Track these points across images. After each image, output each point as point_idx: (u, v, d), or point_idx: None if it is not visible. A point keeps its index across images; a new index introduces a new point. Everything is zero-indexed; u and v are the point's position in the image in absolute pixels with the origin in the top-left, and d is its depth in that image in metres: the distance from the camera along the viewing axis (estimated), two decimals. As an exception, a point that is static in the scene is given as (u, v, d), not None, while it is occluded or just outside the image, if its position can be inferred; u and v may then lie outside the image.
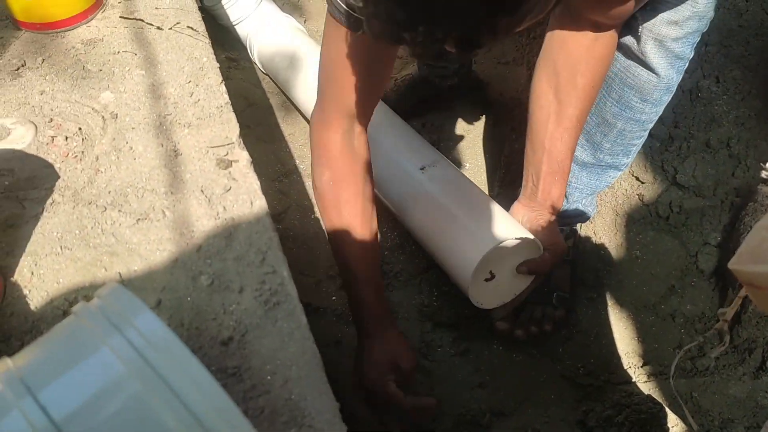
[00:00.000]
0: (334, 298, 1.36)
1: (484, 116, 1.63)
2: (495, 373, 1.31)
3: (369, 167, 1.06)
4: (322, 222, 1.05)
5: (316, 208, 1.48)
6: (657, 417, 1.14)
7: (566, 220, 1.33)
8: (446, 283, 1.41)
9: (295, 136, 1.57)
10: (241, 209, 0.73)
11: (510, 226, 1.17)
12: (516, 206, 1.22)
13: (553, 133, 1.06)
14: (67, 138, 0.77)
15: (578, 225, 1.41)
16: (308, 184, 1.52)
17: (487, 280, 1.23)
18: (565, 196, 1.21)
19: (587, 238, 1.42)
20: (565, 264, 1.37)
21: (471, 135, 1.60)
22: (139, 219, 0.72)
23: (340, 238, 1.03)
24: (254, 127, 1.60)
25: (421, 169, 1.27)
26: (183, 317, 0.65)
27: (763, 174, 1.21)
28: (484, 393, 1.29)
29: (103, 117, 0.79)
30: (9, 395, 0.40)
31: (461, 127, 1.62)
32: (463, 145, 1.59)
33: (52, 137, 0.76)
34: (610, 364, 1.29)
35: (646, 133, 1.13)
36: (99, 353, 0.42)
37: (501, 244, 1.11)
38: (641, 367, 1.28)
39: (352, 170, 1.02)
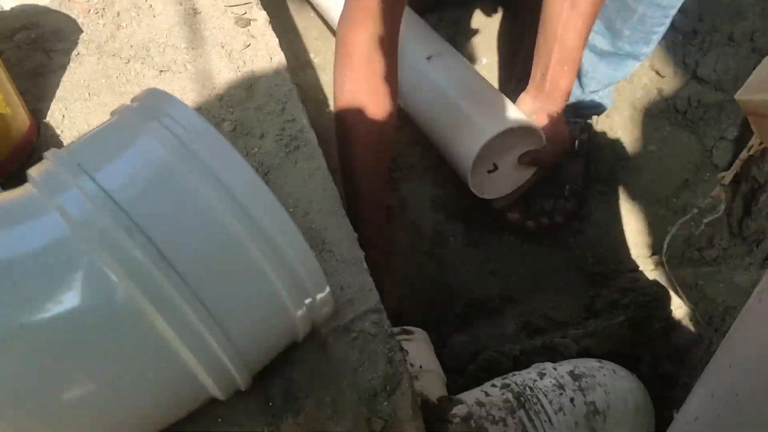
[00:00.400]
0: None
1: (502, 11, 1.64)
2: (506, 261, 1.37)
3: (394, 78, 1.04)
4: (335, 128, 1.05)
5: (329, 103, 1.52)
6: (661, 299, 1.20)
7: (582, 111, 1.36)
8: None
9: (309, 30, 1.60)
10: (261, 64, 0.78)
11: (512, 116, 1.20)
12: (523, 97, 1.25)
13: (567, 21, 1.07)
14: (88, -5, 0.82)
15: (594, 119, 1.45)
16: (322, 78, 1.56)
17: (490, 171, 1.28)
18: (581, 85, 1.24)
19: (603, 133, 1.46)
20: (579, 157, 1.41)
21: (488, 29, 1.62)
22: (162, 71, 0.77)
23: (351, 154, 1.03)
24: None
25: (428, 58, 1.29)
26: (207, 158, 0.71)
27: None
28: (494, 280, 1.35)
29: (122, -24, 0.84)
30: (66, 176, 0.46)
31: (478, 21, 1.63)
32: (480, 40, 1.61)
33: (75, -6, 0.81)
34: (620, 254, 1.35)
35: (668, 21, 1.14)
36: (141, 140, 0.48)
37: (500, 133, 1.15)
38: (650, 257, 1.34)
39: (375, 81, 1.00)
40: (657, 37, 1.18)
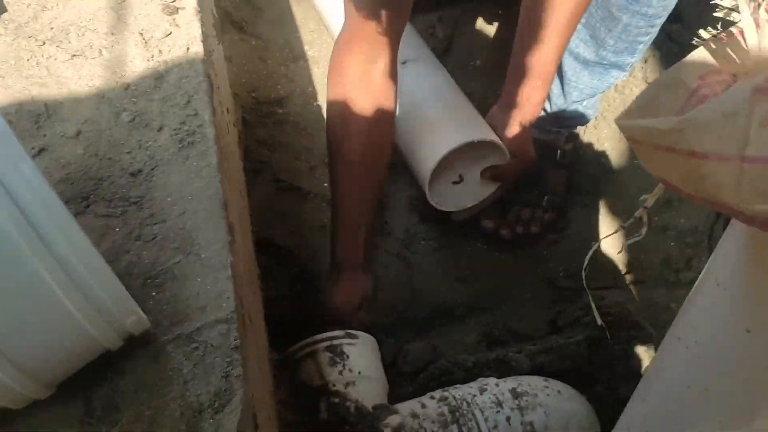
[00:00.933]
0: (325, 184, 1.36)
1: (501, 14, 1.56)
2: (475, 269, 1.30)
3: (391, 105, 1.01)
4: (327, 147, 1.03)
5: (319, 95, 1.47)
6: (624, 321, 1.12)
7: (565, 121, 1.28)
8: (438, 177, 1.39)
9: (306, 21, 1.55)
10: (177, 53, 0.73)
11: (477, 129, 1.13)
12: (494, 109, 1.19)
13: (541, 37, 1.01)
14: (19, -25, 0.78)
15: (581, 130, 1.36)
16: (314, 71, 1.51)
17: (455, 182, 1.22)
18: (564, 94, 1.17)
19: (589, 144, 1.37)
20: (561, 168, 1.33)
21: (486, 32, 1.54)
22: (74, 55, 0.72)
23: (340, 178, 1.03)
24: (266, 9, 1.58)
25: (403, 63, 1.23)
26: (99, 148, 0.66)
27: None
28: (462, 287, 1.28)
29: (58, -42, 0.80)
30: None
31: (477, 23, 1.56)
32: (476, 42, 1.54)
33: (6, -27, 0.77)
34: (593, 270, 1.26)
35: (654, 31, 1.06)
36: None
37: (461, 145, 1.09)
38: (624, 275, 1.25)
39: (369, 103, 0.98)
40: (642, 47, 1.09)
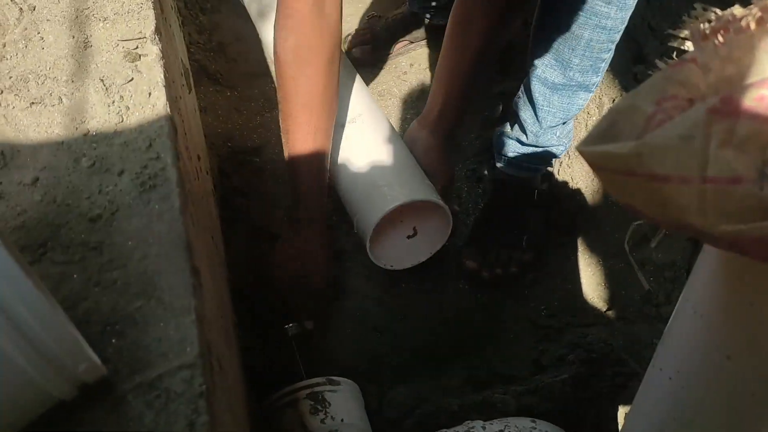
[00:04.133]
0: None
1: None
2: (457, 311, 1.28)
3: (338, 35, 1.02)
4: (278, 92, 1.02)
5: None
6: (608, 357, 1.09)
7: (539, 154, 1.27)
8: (415, 221, 1.38)
9: (280, 73, 1.54)
10: (138, 99, 0.71)
11: (415, 190, 1.14)
12: (413, 125, 1.24)
13: (461, 55, 1.10)
14: (-21, 27, 0.77)
15: (555, 169, 1.36)
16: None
17: (409, 237, 1.23)
18: (538, 120, 1.18)
19: (564, 183, 1.37)
20: (538, 208, 1.33)
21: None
22: (33, 102, 0.71)
23: (293, 111, 1.02)
24: (240, 62, 1.59)
25: (342, 126, 1.24)
26: (57, 194, 0.64)
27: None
28: (444, 330, 1.26)
29: (21, 8, 0.79)
30: None
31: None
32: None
33: (-35, 25, 0.76)
34: (574, 308, 1.25)
35: (613, 47, 1.08)
36: None
37: (399, 205, 1.10)
38: (605, 311, 1.23)
39: (320, 38, 0.98)
40: (604, 66, 1.12)
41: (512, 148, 1.29)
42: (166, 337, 0.54)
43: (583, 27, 1.04)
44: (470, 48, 1.09)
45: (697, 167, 0.39)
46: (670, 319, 0.62)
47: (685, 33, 0.50)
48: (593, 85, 1.13)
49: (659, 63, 0.52)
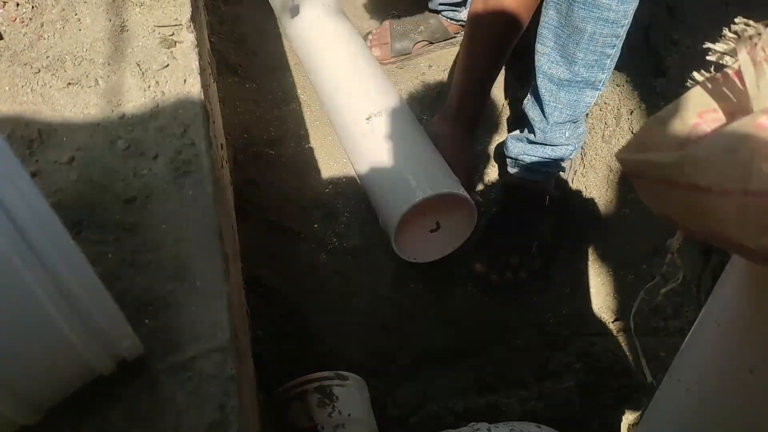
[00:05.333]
0: (316, 226, 1.35)
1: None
2: (465, 313, 1.29)
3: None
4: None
5: (311, 137, 1.47)
6: (614, 368, 1.10)
7: (548, 152, 1.29)
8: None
9: (300, 66, 1.56)
10: (174, 85, 0.72)
11: (441, 183, 1.15)
12: (434, 119, 1.27)
13: (473, 56, 1.16)
14: (18, 4, 0.78)
15: (570, 177, 1.37)
16: (307, 114, 1.52)
17: (432, 231, 1.23)
18: (545, 116, 1.20)
19: (577, 192, 1.38)
20: (549, 214, 1.34)
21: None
22: (70, 83, 0.72)
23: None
24: (261, 54, 1.59)
25: (367, 119, 1.24)
26: (92, 175, 0.65)
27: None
28: (451, 331, 1.27)
29: (58, -11, 0.80)
30: None
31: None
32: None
33: (4, 2, 0.77)
34: (582, 317, 1.25)
35: (619, 43, 1.10)
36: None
37: (427, 198, 1.11)
38: (612, 322, 1.24)
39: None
40: (610, 63, 1.13)
41: (521, 150, 1.30)
42: (198, 321, 0.55)
43: (586, 20, 1.05)
44: (487, 40, 1.14)
45: (740, 180, 0.40)
46: (691, 330, 0.63)
47: (724, 47, 0.51)
48: (600, 82, 1.15)
49: (697, 75, 0.54)
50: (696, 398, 0.60)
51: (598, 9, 1.03)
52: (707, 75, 0.53)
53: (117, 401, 0.50)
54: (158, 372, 0.52)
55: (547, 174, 1.32)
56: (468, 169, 1.25)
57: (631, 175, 0.50)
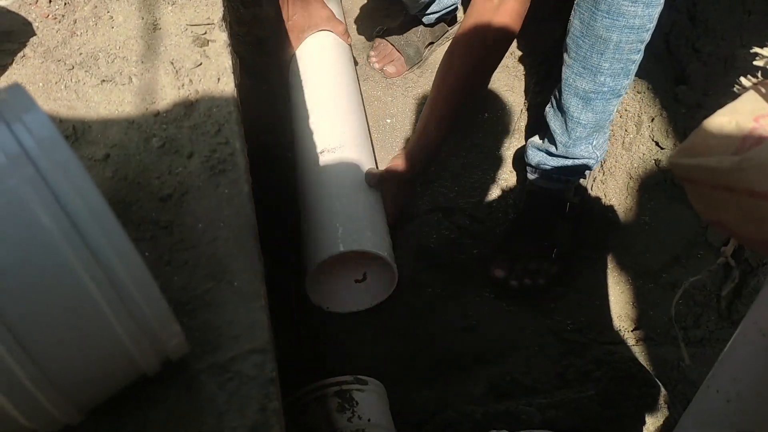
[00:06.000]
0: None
1: (509, 68, 1.59)
2: (482, 319, 1.28)
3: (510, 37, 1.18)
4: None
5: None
6: (635, 377, 1.10)
7: (570, 165, 1.28)
8: (446, 227, 1.39)
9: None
10: (207, 84, 0.72)
11: (366, 238, 1.14)
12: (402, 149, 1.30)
13: (439, 90, 1.18)
14: (51, 1, 0.78)
15: (589, 185, 1.37)
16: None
17: (357, 281, 1.23)
18: (567, 131, 1.20)
19: (597, 199, 1.38)
20: (569, 221, 1.33)
21: (494, 85, 1.56)
22: (104, 80, 0.71)
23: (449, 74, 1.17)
24: (277, 56, 1.59)
25: (320, 152, 1.22)
26: (128, 172, 0.65)
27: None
28: (468, 337, 1.26)
29: (90, -14, 0.80)
30: None
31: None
32: (484, 95, 1.55)
33: (36, -1, 0.77)
34: (600, 324, 1.25)
35: (643, 47, 1.08)
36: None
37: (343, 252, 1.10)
38: (631, 331, 1.24)
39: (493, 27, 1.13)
40: (634, 68, 1.12)
41: (542, 160, 1.30)
42: (236, 321, 0.55)
43: (610, 29, 1.04)
44: (447, 84, 1.16)
45: (804, 187, 0.39)
46: (732, 339, 0.62)
47: (773, 53, 0.51)
48: (624, 88, 1.14)
49: (744, 80, 0.53)
50: (736, 409, 0.59)
51: (623, 17, 1.02)
52: (755, 80, 0.53)
53: (157, 401, 0.50)
54: (198, 372, 0.51)
55: (568, 182, 1.31)
56: (399, 207, 1.26)
57: (683, 180, 0.49)
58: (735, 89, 0.54)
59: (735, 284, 1.04)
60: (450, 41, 1.22)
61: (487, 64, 1.20)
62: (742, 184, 0.43)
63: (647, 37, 1.07)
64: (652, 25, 1.05)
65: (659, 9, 1.03)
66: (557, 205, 1.32)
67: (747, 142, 0.46)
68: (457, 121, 1.23)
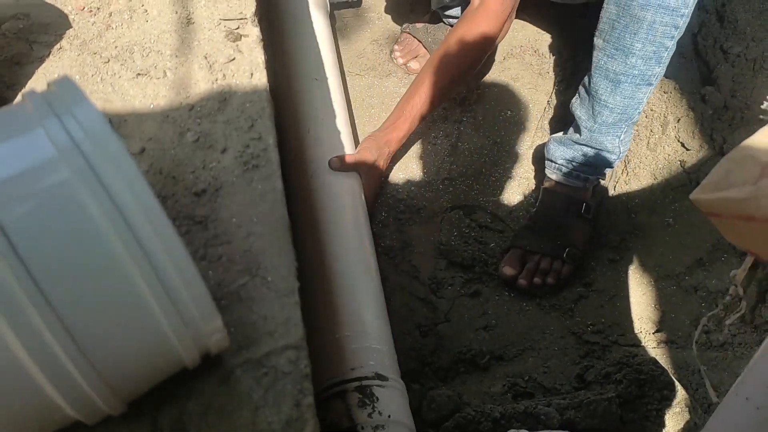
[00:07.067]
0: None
1: (533, 66, 1.59)
2: (501, 318, 1.29)
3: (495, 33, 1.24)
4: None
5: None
6: (656, 380, 1.10)
7: (592, 157, 1.28)
8: (466, 225, 1.39)
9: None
10: (240, 79, 0.73)
11: None
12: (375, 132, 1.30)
13: (420, 83, 1.24)
14: (86, -7, 0.79)
15: (611, 186, 1.37)
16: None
17: None
18: (594, 114, 1.21)
19: (619, 200, 1.38)
20: (585, 222, 1.34)
21: (517, 83, 1.56)
22: (139, 74, 0.72)
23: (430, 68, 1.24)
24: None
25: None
26: (163, 166, 0.66)
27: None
28: (487, 336, 1.27)
29: (125, -21, 0.81)
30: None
31: (507, 75, 1.58)
32: (506, 93, 1.56)
33: (72, -9, 0.78)
34: (621, 326, 1.25)
35: (677, 35, 1.09)
36: (33, 133, 0.43)
37: None
38: (653, 333, 1.24)
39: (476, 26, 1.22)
40: (667, 56, 1.13)
41: (563, 153, 1.30)
42: (271, 316, 0.56)
43: (646, 8, 1.05)
44: (428, 82, 1.23)
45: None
46: (762, 347, 0.62)
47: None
48: (655, 77, 1.15)
49: (763, 113, 0.54)
50: (766, 417, 0.59)
51: None
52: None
53: (194, 393, 0.51)
54: (234, 367, 0.52)
55: (586, 180, 1.31)
56: (375, 191, 1.32)
57: (709, 216, 0.51)
58: (761, 117, 0.55)
59: (742, 314, 1.06)
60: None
61: (467, 65, 1.25)
62: (759, 212, 0.44)
63: (682, 24, 1.08)
64: (687, 11, 1.06)
65: None
66: (574, 204, 1.32)
67: (765, 173, 0.47)
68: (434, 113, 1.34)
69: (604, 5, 1.13)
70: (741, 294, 1.03)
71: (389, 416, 1.02)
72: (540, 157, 1.44)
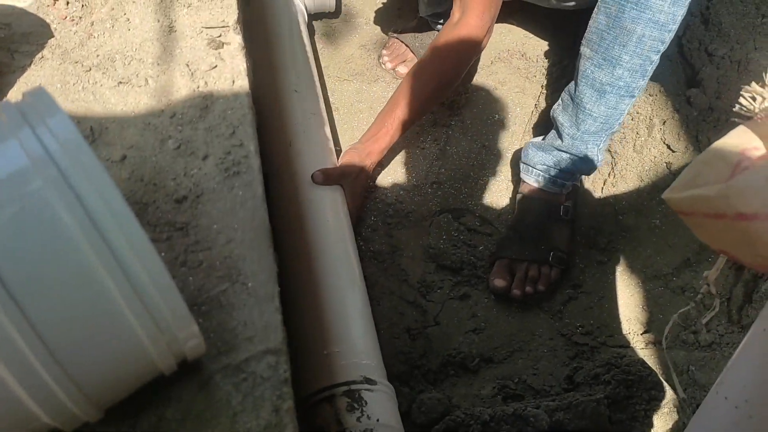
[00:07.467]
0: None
1: (520, 70, 1.60)
2: (490, 321, 1.29)
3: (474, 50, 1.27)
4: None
5: (341, 139, 1.48)
6: (644, 380, 1.10)
7: (570, 164, 1.29)
8: (455, 228, 1.40)
9: (329, 69, 1.57)
10: (222, 86, 0.73)
11: None
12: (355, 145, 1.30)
13: (401, 95, 1.25)
14: (68, 3, 0.79)
15: (599, 188, 1.37)
16: (336, 116, 1.52)
17: None
18: (577, 123, 1.22)
19: (607, 202, 1.38)
20: (564, 223, 1.34)
21: (505, 87, 1.57)
22: (120, 82, 0.73)
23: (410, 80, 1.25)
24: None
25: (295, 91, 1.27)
26: (144, 173, 0.66)
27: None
28: (476, 338, 1.27)
29: (107, -12, 0.81)
30: None
31: (495, 78, 1.59)
32: (494, 96, 1.56)
33: (54, 0, 0.78)
34: (610, 328, 1.26)
35: (663, 48, 1.11)
36: (6, 144, 0.43)
37: None
38: (641, 334, 1.24)
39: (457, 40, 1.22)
40: (651, 69, 1.14)
41: (543, 159, 1.31)
42: (251, 322, 0.56)
43: (636, 22, 1.07)
44: (411, 91, 1.25)
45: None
46: (741, 345, 0.63)
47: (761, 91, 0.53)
48: (638, 89, 1.16)
49: (755, 86, 0.55)
50: (744, 415, 0.59)
51: (650, 10, 1.05)
52: (755, 117, 0.55)
53: (173, 400, 0.51)
54: (213, 372, 0.53)
55: (563, 186, 1.32)
56: (359, 201, 1.31)
57: (681, 214, 0.51)
58: (735, 119, 0.56)
59: (715, 313, 1.07)
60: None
61: (446, 79, 1.26)
62: (729, 209, 0.45)
63: (668, 38, 1.09)
64: (674, 26, 1.08)
65: (683, 11, 1.06)
66: (551, 208, 1.33)
67: (734, 173, 0.48)
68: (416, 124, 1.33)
69: (594, 15, 1.14)
70: (714, 293, 1.04)
71: (378, 420, 1.02)
72: (515, 164, 1.44)
